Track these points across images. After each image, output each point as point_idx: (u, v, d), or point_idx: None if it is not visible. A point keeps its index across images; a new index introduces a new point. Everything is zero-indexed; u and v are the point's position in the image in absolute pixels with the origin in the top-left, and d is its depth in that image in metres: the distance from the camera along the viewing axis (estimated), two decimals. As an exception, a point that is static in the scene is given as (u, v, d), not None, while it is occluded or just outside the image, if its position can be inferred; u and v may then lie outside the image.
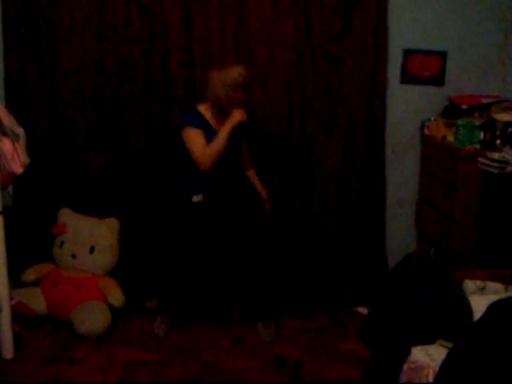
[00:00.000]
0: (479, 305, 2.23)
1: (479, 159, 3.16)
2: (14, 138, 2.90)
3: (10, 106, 3.45)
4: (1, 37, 3.57)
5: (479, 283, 2.54)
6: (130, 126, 3.68)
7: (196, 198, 3.24)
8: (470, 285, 2.53)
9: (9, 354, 3.02)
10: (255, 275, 3.41)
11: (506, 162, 3.01)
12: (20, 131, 2.99)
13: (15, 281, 3.40)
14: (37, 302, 3.40)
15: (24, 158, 2.97)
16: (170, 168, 3.63)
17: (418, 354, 2.13)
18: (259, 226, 3.46)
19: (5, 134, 2.83)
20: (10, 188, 3.58)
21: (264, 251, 3.47)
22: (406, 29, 3.77)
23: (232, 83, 3.09)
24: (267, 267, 3.50)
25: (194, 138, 3.15)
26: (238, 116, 3.11)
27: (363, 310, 3.68)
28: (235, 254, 3.44)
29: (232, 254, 3.46)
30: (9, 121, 2.90)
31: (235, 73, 3.09)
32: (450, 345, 2.09)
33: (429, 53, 3.79)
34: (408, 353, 2.17)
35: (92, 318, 3.25)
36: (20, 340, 3.15)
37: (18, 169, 2.92)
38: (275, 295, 3.61)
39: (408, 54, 3.79)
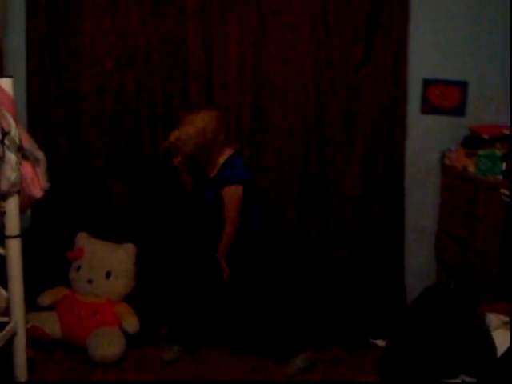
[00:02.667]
0: (503, 340, 2.19)
1: (501, 190, 3.12)
2: (35, 161, 2.91)
3: (30, 130, 3.48)
4: (24, 62, 3.64)
5: (503, 317, 2.48)
6: (148, 153, 3.70)
7: None
8: (493, 319, 2.47)
9: (22, 377, 2.99)
10: (277, 314, 3.35)
11: (529, 194, 2.96)
12: (40, 155, 2.99)
13: (31, 304, 3.39)
14: (52, 326, 3.39)
15: (44, 182, 2.97)
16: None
17: (440, 389, 2.08)
18: (278, 262, 3.46)
19: (25, 158, 2.84)
20: (28, 211, 3.60)
21: (283, 286, 3.46)
22: (426, 59, 3.76)
23: None
24: (295, 302, 3.49)
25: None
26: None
27: (381, 343, 3.61)
28: (251, 289, 3.38)
29: (248, 288, 3.40)
30: (29, 144, 2.91)
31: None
32: (473, 380, 2.04)
33: (449, 83, 3.78)
34: (429, 388, 2.12)
35: (106, 344, 3.23)
36: (34, 364, 3.12)
37: (38, 193, 2.92)
38: (299, 332, 3.49)
39: (428, 83, 3.78)
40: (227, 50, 3.60)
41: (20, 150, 2.77)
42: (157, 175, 3.72)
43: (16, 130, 2.72)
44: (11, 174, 2.67)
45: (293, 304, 3.63)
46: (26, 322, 3.03)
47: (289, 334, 3.37)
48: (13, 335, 2.90)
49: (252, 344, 3.53)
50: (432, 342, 2.18)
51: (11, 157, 2.66)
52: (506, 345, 1.86)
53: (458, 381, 2.11)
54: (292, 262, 3.73)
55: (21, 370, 2.98)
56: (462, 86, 3.78)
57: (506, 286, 3.10)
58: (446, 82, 3.78)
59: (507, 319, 2.47)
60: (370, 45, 3.64)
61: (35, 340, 3.24)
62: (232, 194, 3.14)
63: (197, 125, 3.11)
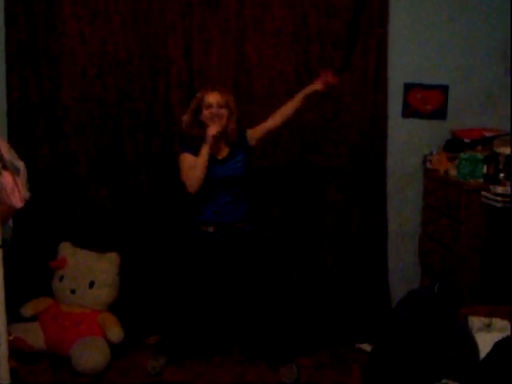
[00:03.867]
0: (485, 342, 2.19)
1: (482, 193, 3.14)
2: (15, 171, 2.88)
3: (11, 139, 3.46)
4: (4, 70, 3.61)
5: (485, 320, 2.49)
6: (130, 161, 3.69)
7: (208, 229, 3.23)
8: (475, 322, 2.48)
9: (5, 390, 2.97)
10: (272, 318, 3.34)
11: (510, 196, 2.98)
12: (20, 165, 2.97)
13: (14, 315, 3.36)
14: (35, 337, 3.36)
15: (24, 192, 2.94)
16: (182, 201, 3.63)
17: (423, 393, 2.08)
18: (267, 266, 3.43)
19: (5, 168, 2.82)
20: (10, 221, 3.57)
21: (276, 292, 3.43)
22: (406, 63, 3.78)
23: (204, 102, 3.15)
24: (283, 309, 3.46)
25: (182, 162, 3.19)
26: (209, 131, 3.11)
27: (366, 347, 3.61)
28: (245, 294, 3.37)
29: (241, 293, 3.39)
30: (9, 154, 2.89)
31: (204, 93, 3.17)
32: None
33: (430, 87, 3.81)
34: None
35: (90, 355, 3.21)
36: (17, 376, 3.09)
37: (18, 203, 2.89)
38: (295, 337, 3.54)
39: (409, 88, 3.81)
40: (208, 58, 3.61)
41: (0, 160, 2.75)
42: (139, 183, 3.70)
43: (-5, 140, 2.70)
44: (-10, 185, 2.65)
45: (290, 307, 3.67)
46: (9, 334, 3.01)
47: (291, 337, 3.43)
48: (-5, 347, 2.87)
49: (252, 348, 3.55)
50: (415, 346, 2.18)
51: (-10, 167, 2.64)
52: (488, 348, 1.87)
53: (441, 384, 2.11)
54: (276, 266, 3.72)
55: (4, 382, 2.95)
56: (443, 89, 3.81)
57: (488, 289, 3.12)
58: (427, 87, 3.81)
59: (488, 322, 2.48)
60: (350, 50, 3.65)
61: (18, 351, 3.20)
62: None
63: (230, 95, 3.25)
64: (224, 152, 3.23)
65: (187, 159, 3.17)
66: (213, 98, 3.14)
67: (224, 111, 3.15)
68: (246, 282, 3.31)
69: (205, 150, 3.10)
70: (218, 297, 3.46)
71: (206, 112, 3.14)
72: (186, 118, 3.22)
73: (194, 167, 3.11)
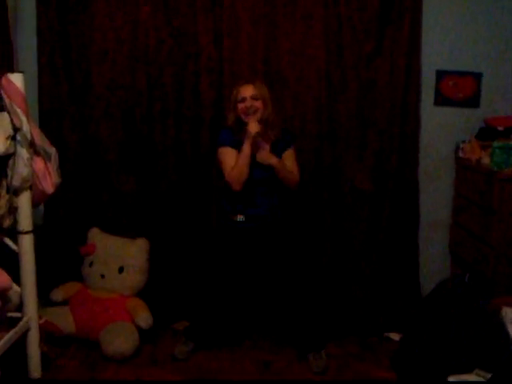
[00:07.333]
0: (518, 333, 2.16)
1: (516, 182, 3.08)
2: (46, 157, 2.92)
3: (42, 126, 3.49)
4: (35, 58, 3.64)
5: (518, 311, 2.46)
6: (159, 147, 3.69)
7: (238, 218, 3.20)
8: (509, 312, 2.44)
9: (36, 373, 3.01)
10: (302, 306, 3.32)
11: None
12: (52, 151, 3.01)
13: (44, 300, 3.41)
14: (65, 321, 3.40)
15: (55, 178, 2.98)
16: (210, 187, 3.66)
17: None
18: (297, 254, 3.41)
19: (37, 153, 2.85)
20: (41, 207, 3.61)
21: (306, 280, 3.41)
22: (439, 50, 3.72)
23: (238, 97, 3.13)
24: (313, 296, 3.45)
25: (222, 157, 3.16)
26: (251, 128, 3.07)
27: (395, 336, 3.59)
28: (275, 282, 3.35)
29: (272, 282, 3.38)
30: (41, 140, 2.93)
31: (238, 87, 3.16)
32: (488, 375, 2.02)
33: (463, 74, 3.74)
34: (444, 382, 2.09)
35: (119, 339, 3.23)
36: (48, 359, 3.14)
37: (49, 188, 2.94)
38: (324, 324, 3.54)
39: (441, 75, 3.74)
40: (238, 44, 3.58)
41: (31, 146, 2.78)
42: (168, 169, 3.71)
43: (27, 126, 2.74)
44: (23, 170, 2.69)
45: (320, 295, 3.66)
46: (39, 318, 3.06)
47: (321, 324, 3.42)
48: (26, 330, 2.92)
49: (281, 335, 3.55)
50: (446, 336, 2.15)
51: (23, 152, 2.68)
52: (522, 339, 1.84)
53: (473, 375, 2.08)
54: (305, 256, 3.70)
55: (34, 365, 3.00)
56: (476, 77, 3.74)
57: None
58: (460, 73, 3.74)
59: (523, 313, 2.44)
60: (381, 37, 3.61)
61: (49, 335, 3.25)
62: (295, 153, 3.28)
63: (265, 87, 3.20)
64: None
65: (228, 154, 3.13)
66: (246, 90, 3.12)
67: (258, 104, 3.12)
68: (275, 269, 3.30)
69: (247, 149, 3.06)
70: (247, 284, 3.44)
71: (240, 106, 3.12)
72: (230, 116, 3.21)
73: (235, 167, 3.07)
